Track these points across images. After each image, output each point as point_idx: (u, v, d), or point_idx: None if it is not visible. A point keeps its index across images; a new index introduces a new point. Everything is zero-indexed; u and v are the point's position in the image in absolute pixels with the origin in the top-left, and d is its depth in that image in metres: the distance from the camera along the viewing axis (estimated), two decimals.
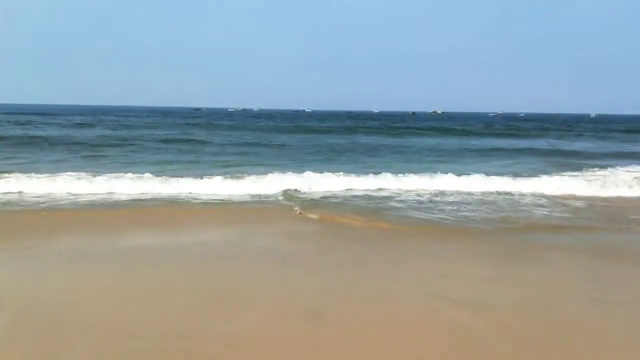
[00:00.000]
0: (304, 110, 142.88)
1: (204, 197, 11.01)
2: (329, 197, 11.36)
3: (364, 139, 31.46)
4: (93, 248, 7.02)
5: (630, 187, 12.86)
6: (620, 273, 6.42)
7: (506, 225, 8.97)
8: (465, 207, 10.50)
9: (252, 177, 12.85)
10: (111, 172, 13.21)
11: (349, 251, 7.16)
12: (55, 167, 14.34)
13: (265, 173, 13.31)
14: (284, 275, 5.94)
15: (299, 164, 17.13)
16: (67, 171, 13.02)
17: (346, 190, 12.13)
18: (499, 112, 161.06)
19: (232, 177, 12.80)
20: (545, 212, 10.18)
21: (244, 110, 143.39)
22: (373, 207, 10.35)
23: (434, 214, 9.86)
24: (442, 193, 12.00)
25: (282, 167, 15.02)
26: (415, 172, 14.45)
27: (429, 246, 7.59)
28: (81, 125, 39.18)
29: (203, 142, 26.15)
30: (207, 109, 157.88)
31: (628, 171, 16.69)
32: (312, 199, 10.96)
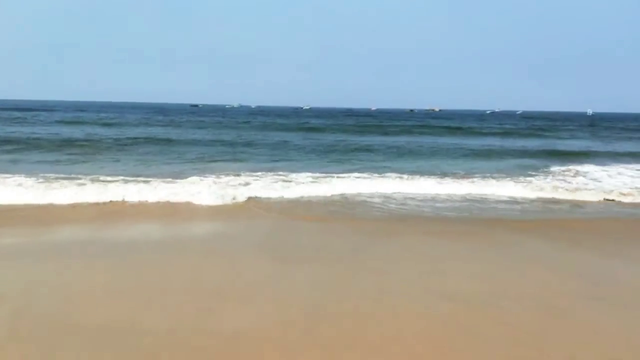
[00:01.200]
0: (301, 108, 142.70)
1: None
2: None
3: (347, 138, 30.54)
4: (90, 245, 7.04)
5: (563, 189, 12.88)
6: (611, 267, 6.52)
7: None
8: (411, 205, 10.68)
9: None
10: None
11: (345, 248, 7.19)
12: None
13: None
14: (280, 272, 5.97)
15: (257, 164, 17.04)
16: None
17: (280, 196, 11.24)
18: (496, 110, 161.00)
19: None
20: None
21: (241, 107, 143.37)
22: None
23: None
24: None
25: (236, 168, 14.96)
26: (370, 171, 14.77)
27: (421, 242, 7.62)
28: (58, 123, 37.50)
29: (173, 142, 24.39)
30: (205, 105, 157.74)
31: (603, 170, 16.66)
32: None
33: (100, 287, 5.30)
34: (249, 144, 24.70)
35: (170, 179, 12.08)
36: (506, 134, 39.14)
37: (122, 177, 12.12)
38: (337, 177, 13.39)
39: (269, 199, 10.86)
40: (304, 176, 13.28)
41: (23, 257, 6.33)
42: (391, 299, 5.15)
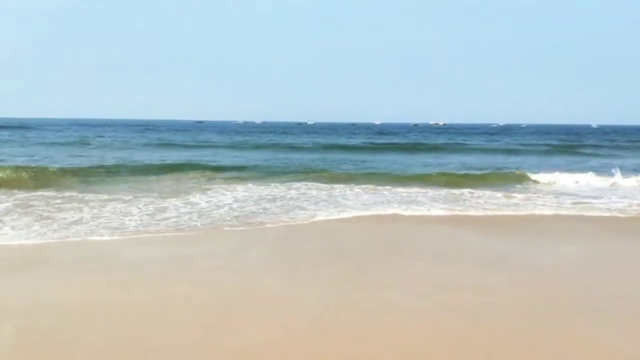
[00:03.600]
0: (306, 123, 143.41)
1: None
2: None
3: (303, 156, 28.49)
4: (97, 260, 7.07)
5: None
6: (614, 278, 6.46)
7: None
8: None
9: None
10: None
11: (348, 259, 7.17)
12: None
13: None
14: (286, 286, 5.99)
15: None
16: None
17: None
18: (500, 124, 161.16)
19: None
20: None
21: (245, 123, 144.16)
22: None
23: None
24: None
25: None
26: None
27: (425, 255, 7.58)
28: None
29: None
30: (210, 122, 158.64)
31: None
32: None
33: (105, 303, 5.33)
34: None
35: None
36: (506, 150, 36.20)
37: None
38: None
39: None
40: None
41: (28, 272, 6.38)
42: (399, 313, 5.16)
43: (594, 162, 26.82)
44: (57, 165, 19.63)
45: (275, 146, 36.60)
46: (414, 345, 4.43)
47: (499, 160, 28.41)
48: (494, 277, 6.53)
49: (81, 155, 25.40)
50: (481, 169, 21.99)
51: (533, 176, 18.11)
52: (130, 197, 12.23)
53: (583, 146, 41.46)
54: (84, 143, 35.60)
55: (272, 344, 4.42)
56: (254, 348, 4.34)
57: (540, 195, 14.30)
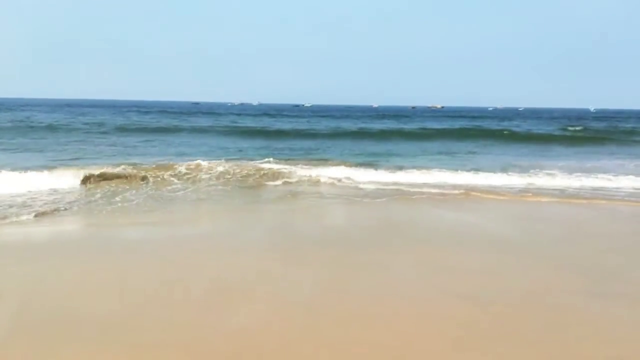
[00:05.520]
0: (303, 105, 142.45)
1: None
2: None
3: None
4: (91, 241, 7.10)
5: None
6: (614, 262, 6.33)
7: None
8: None
9: None
10: None
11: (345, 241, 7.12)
12: None
13: None
14: (282, 268, 5.95)
15: None
16: None
17: None
18: (498, 107, 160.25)
19: None
20: None
21: (242, 104, 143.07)
22: None
23: None
24: None
25: None
26: None
27: (421, 237, 7.51)
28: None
29: None
30: (207, 103, 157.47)
31: None
32: None
33: (101, 283, 5.34)
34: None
35: None
36: (499, 136, 31.01)
37: None
38: None
39: None
40: None
41: (26, 253, 6.38)
42: (394, 295, 5.14)
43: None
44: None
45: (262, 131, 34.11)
46: (413, 327, 4.38)
47: None
48: (491, 260, 6.47)
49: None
50: None
51: None
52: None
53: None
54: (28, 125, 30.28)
55: (267, 325, 4.39)
56: (249, 328, 4.31)
57: None
